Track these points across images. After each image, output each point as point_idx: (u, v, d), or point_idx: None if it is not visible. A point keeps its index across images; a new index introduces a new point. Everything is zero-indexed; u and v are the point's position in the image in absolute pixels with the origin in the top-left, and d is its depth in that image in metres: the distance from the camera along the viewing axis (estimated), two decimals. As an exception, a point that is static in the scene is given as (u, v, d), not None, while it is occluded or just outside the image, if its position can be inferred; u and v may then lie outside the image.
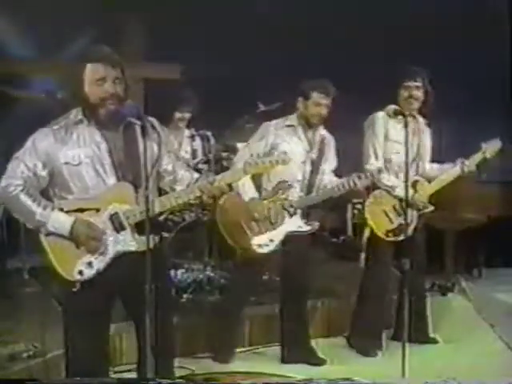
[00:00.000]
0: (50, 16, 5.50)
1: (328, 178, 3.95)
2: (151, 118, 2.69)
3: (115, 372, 3.67)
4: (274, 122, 3.93)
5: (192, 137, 4.70)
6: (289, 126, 3.89)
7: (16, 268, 4.98)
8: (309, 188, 3.89)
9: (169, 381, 2.35)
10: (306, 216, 3.87)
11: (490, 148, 4.17)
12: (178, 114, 4.63)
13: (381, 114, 4.06)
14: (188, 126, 4.76)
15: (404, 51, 5.37)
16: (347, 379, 2.46)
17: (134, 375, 3.58)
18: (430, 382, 3.02)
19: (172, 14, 5.72)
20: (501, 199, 5.29)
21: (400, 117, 4.00)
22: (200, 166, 4.56)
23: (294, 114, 3.93)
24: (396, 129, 4.03)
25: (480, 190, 5.30)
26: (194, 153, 4.66)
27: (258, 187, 3.81)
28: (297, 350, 4.00)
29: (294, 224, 3.80)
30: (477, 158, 4.16)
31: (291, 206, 3.77)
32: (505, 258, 5.68)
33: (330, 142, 4.03)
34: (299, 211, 3.82)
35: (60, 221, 2.64)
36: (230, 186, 2.79)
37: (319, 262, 4.36)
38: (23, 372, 3.36)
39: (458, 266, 5.36)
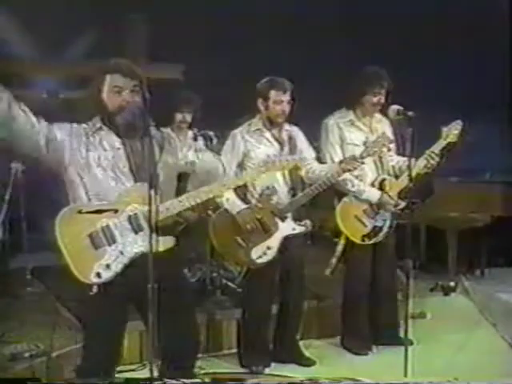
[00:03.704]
0: (51, 16, 5.50)
1: (315, 167, 3.81)
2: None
3: (118, 372, 3.68)
4: (238, 129, 3.84)
5: (194, 137, 4.67)
6: (255, 130, 3.80)
7: (18, 268, 4.98)
8: (293, 188, 3.79)
9: (174, 381, 2.34)
10: (298, 217, 3.78)
11: (452, 131, 3.88)
12: (178, 116, 4.59)
13: (331, 121, 3.98)
14: (190, 127, 4.71)
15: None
16: (351, 379, 2.46)
17: (134, 375, 3.60)
18: (434, 382, 3.02)
19: (172, 13, 5.73)
20: (504, 199, 5.27)
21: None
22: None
23: (257, 116, 3.83)
24: (352, 132, 3.95)
25: (483, 190, 5.29)
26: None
27: (244, 199, 3.73)
28: (286, 350, 3.97)
29: (288, 227, 3.75)
30: (440, 144, 3.87)
31: (281, 211, 3.71)
32: (507, 258, 5.68)
33: (298, 135, 3.91)
34: (290, 214, 3.75)
35: None
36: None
37: (320, 262, 4.33)
38: (26, 372, 3.35)
39: (460, 265, 5.35)
